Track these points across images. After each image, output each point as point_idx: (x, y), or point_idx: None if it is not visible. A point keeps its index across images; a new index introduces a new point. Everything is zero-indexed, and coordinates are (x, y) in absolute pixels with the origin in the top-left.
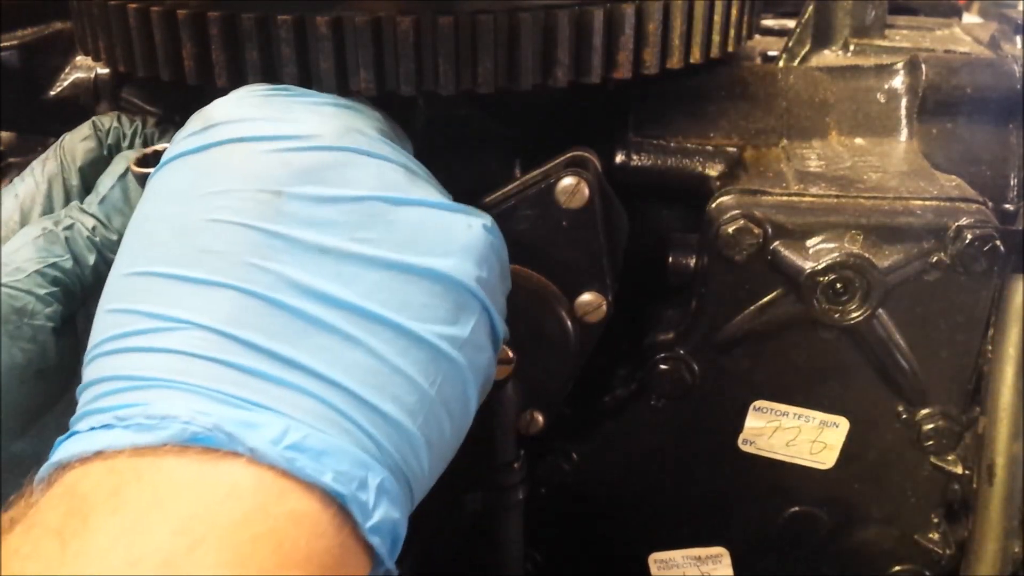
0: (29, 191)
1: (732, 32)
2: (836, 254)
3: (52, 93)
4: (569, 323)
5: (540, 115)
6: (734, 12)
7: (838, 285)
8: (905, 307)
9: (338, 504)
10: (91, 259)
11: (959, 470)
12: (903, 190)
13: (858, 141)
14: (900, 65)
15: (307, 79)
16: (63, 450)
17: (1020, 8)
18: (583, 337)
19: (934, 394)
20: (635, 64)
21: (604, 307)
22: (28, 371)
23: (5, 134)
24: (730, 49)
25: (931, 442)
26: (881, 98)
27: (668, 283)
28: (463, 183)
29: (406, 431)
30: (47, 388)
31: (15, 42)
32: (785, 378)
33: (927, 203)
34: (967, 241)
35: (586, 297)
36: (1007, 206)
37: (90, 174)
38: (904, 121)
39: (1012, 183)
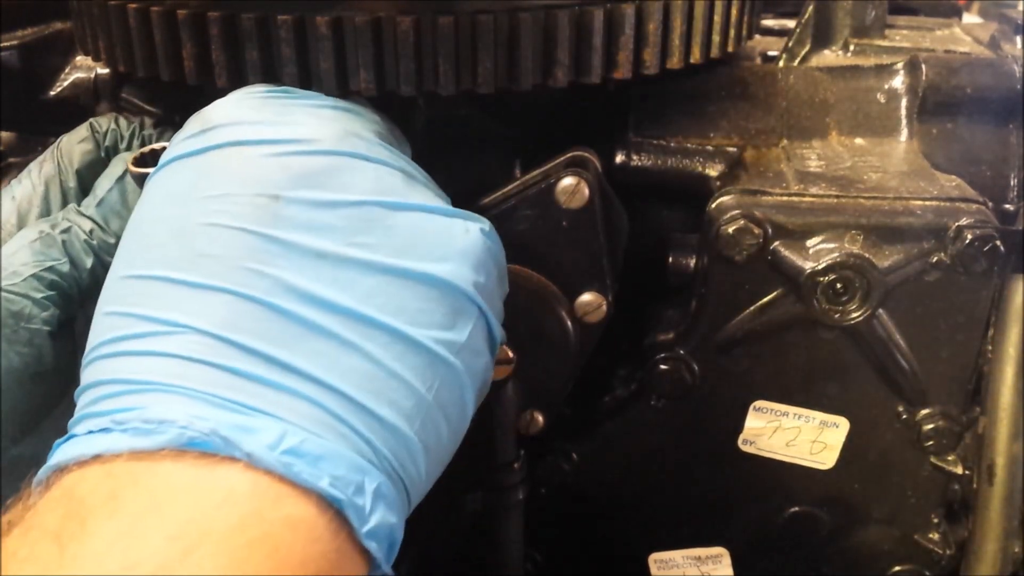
0: (26, 193)
1: (732, 32)
2: (836, 254)
3: (52, 93)
4: (569, 323)
5: (540, 115)
6: (734, 12)
7: (838, 285)
8: (905, 307)
9: (334, 509)
10: (88, 262)
11: (959, 470)
12: (903, 190)
13: (858, 141)
14: (900, 65)
15: (307, 79)
16: (61, 453)
17: (1020, 8)
18: (583, 337)
19: (934, 394)
20: (635, 64)
21: (604, 307)
22: (25, 375)
23: (5, 134)
24: (730, 49)
25: (931, 442)
26: (881, 98)
27: (668, 283)
28: (463, 183)
29: (403, 436)
30: (45, 391)
31: (15, 42)
32: (785, 378)
33: (927, 203)
34: (967, 241)
35: (586, 297)
36: (1007, 206)
37: (87, 176)
38: (904, 121)
39: (1012, 183)
